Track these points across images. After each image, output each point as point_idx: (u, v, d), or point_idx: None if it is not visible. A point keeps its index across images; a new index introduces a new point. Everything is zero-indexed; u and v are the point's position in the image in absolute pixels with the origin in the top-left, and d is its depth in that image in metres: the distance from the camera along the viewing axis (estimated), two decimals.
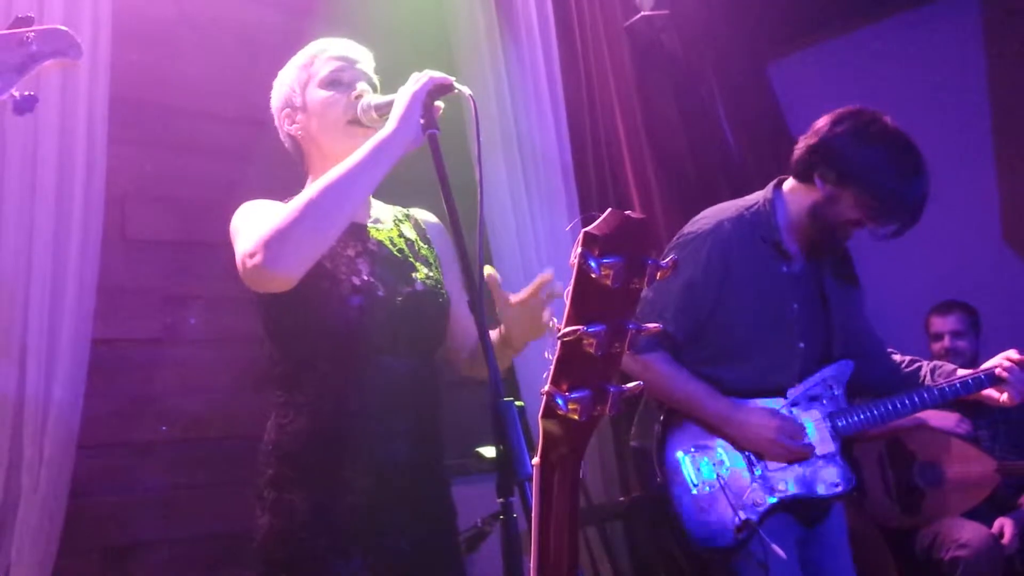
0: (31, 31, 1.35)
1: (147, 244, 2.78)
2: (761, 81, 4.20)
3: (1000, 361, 2.33)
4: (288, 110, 1.83)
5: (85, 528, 2.50)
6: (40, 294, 2.25)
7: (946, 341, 3.66)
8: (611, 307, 0.86)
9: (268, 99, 1.90)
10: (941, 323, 3.68)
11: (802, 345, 2.37)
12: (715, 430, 2.33)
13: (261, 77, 1.92)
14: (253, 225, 1.65)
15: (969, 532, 3.21)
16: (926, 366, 2.48)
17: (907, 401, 2.40)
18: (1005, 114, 4.07)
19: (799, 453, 2.29)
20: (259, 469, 1.77)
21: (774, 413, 2.30)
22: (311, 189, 1.61)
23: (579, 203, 3.22)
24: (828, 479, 2.31)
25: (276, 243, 1.56)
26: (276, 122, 1.88)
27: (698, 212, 2.51)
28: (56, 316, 2.28)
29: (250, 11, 3.03)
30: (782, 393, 2.36)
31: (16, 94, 1.34)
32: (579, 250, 0.84)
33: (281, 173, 1.88)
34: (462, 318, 1.90)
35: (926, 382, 2.44)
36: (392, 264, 1.80)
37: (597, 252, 0.84)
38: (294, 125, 1.82)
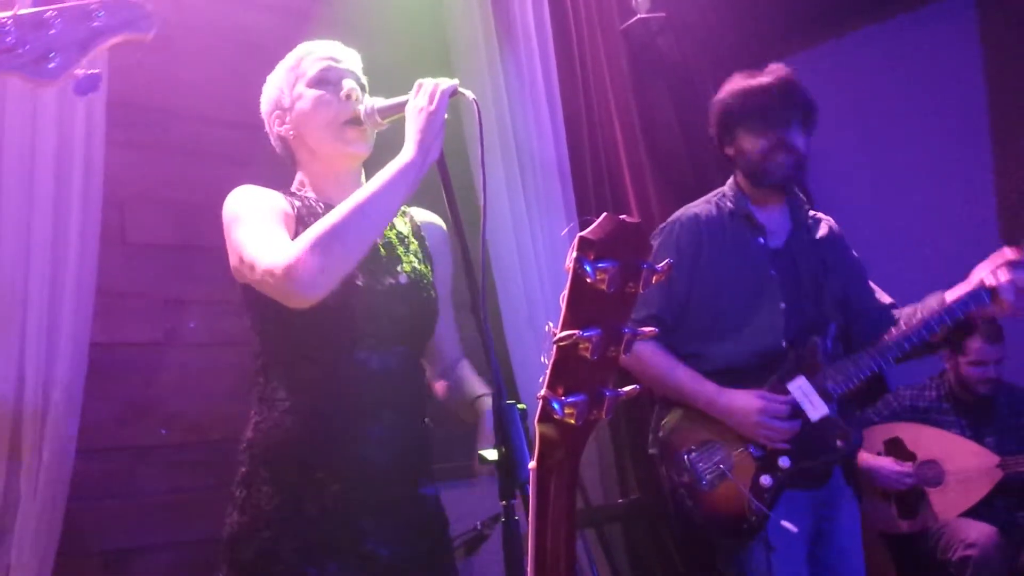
0: (99, 2, 1.23)
1: (146, 248, 2.78)
2: None
3: (983, 275, 2.28)
4: (277, 112, 1.83)
5: (84, 532, 2.50)
6: (39, 298, 2.25)
7: (991, 371, 3.45)
8: (606, 311, 0.87)
9: None
10: (990, 352, 3.44)
11: (783, 305, 2.44)
12: (706, 414, 2.40)
13: (260, 81, 1.93)
14: (264, 233, 1.63)
15: (976, 532, 3.19)
16: (902, 311, 2.47)
17: (890, 347, 2.36)
18: (1002, 114, 4.08)
19: (785, 433, 2.32)
20: (235, 467, 1.76)
21: (759, 396, 2.34)
22: (338, 212, 1.60)
23: (576, 206, 3.22)
24: (827, 442, 2.34)
25: (306, 268, 1.55)
26: (266, 126, 1.88)
27: None
28: (55, 320, 2.27)
29: (249, 15, 3.03)
30: (768, 362, 2.40)
31: (79, 73, 1.23)
32: (574, 254, 0.85)
33: (279, 177, 1.89)
34: (442, 335, 1.89)
35: (903, 325, 2.41)
36: (375, 256, 1.78)
37: (592, 256, 0.84)
38: (284, 126, 1.82)
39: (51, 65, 1.20)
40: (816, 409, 2.33)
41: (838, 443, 2.32)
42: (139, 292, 2.74)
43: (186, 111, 2.88)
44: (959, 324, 2.35)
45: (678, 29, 3.76)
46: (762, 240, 2.50)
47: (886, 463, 3.41)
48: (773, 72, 2.52)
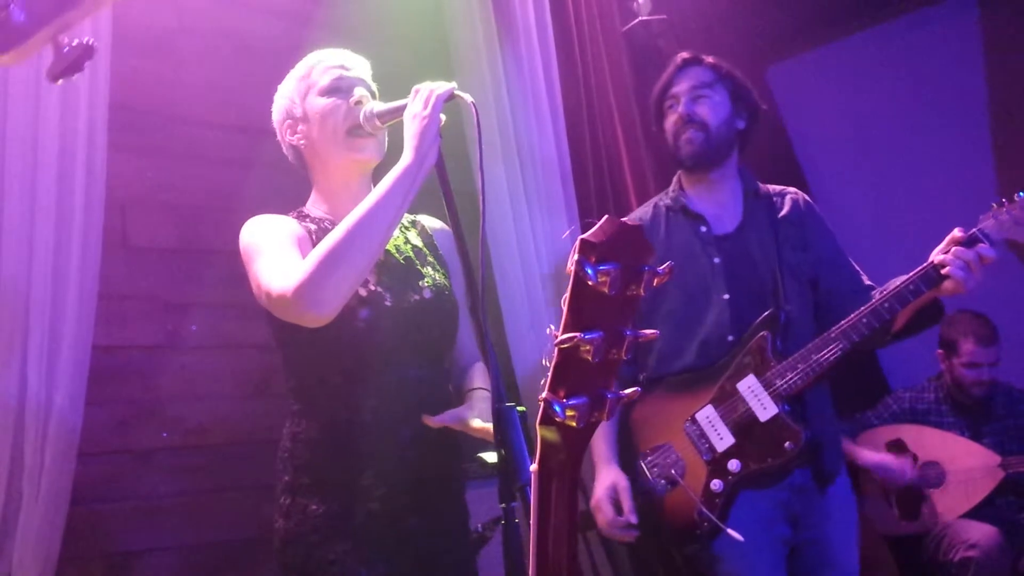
0: None
1: (148, 251, 2.79)
2: (759, 85, 4.20)
3: (933, 256, 2.18)
4: (289, 121, 1.85)
5: (86, 535, 2.50)
6: (41, 301, 2.25)
7: (985, 373, 3.42)
8: (608, 314, 0.87)
9: (268, 107, 1.91)
10: (983, 354, 3.40)
11: (727, 296, 2.34)
12: (659, 418, 2.37)
13: (260, 85, 1.94)
14: (276, 260, 1.66)
15: (978, 532, 3.19)
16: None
17: (839, 337, 2.21)
18: (1004, 116, 4.08)
19: (610, 525, 2.30)
20: (276, 476, 1.81)
21: (612, 484, 2.31)
22: (341, 228, 1.62)
23: (578, 208, 3.22)
24: (775, 444, 2.23)
25: (315, 288, 1.58)
26: (278, 135, 1.90)
27: None
28: (57, 323, 2.27)
29: (249, 20, 3.04)
30: (717, 358, 2.32)
31: (63, 41, 0.81)
32: (576, 257, 0.85)
33: (281, 180, 1.89)
34: (460, 338, 1.92)
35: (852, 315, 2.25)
36: (398, 272, 1.82)
37: (594, 259, 0.84)
38: (296, 135, 1.84)
39: (9, 27, 0.76)
40: (766, 409, 2.24)
41: (786, 445, 2.21)
42: (141, 295, 2.75)
43: (188, 115, 2.88)
44: (922, 308, 2.23)
45: (679, 31, 3.76)
46: (704, 229, 2.41)
47: (886, 459, 3.39)
48: (679, 56, 2.51)
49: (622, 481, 2.32)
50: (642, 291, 0.86)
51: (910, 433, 3.49)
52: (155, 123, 2.82)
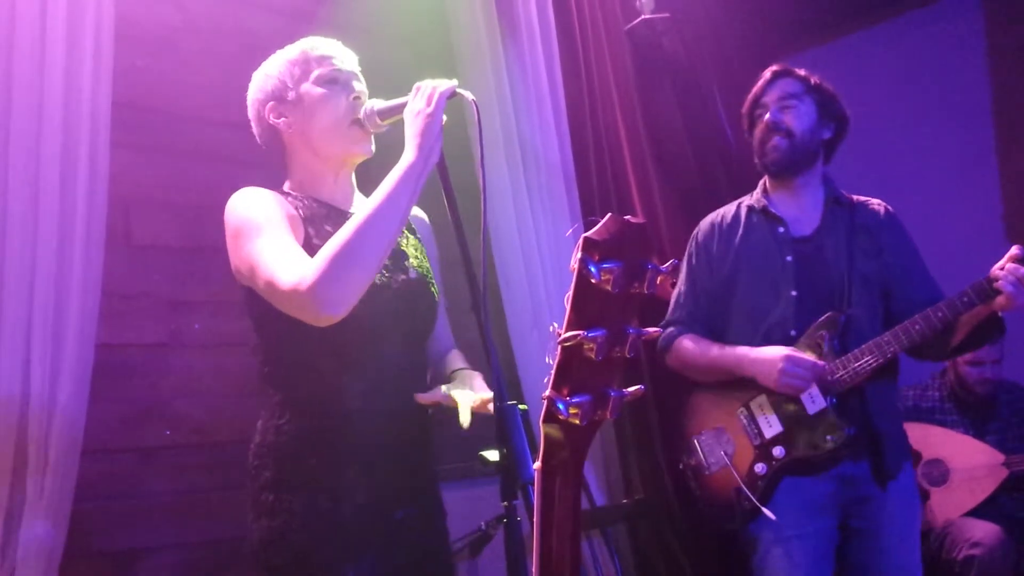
0: None
1: (151, 249, 2.79)
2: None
3: (992, 270, 2.23)
4: (273, 103, 1.81)
5: (90, 533, 2.51)
6: (44, 299, 2.25)
7: (988, 372, 3.43)
8: (611, 312, 0.87)
9: None
10: (987, 352, 3.37)
11: (794, 293, 2.45)
12: (718, 401, 2.49)
13: None
14: (280, 249, 1.62)
15: (981, 531, 3.19)
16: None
17: (891, 341, 2.32)
18: (1007, 113, 4.07)
19: (807, 379, 2.34)
20: (253, 472, 1.75)
21: (784, 349, 2.37)
22: (350, 227, 1.59)
23: (581, 207, 3.23)
24: (820, 435, 2.35)
25: (329, 289, 1.54)
26: (253, 112, 1.85)
27: (701, 216, 2.75)
28: (60, 321, 2.28)
29: (252, 17, 3.03)
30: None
31: None
32: (579, 255, 0.85)
33: (284, 178, 1.89)
34: (439, 323, 1.92)
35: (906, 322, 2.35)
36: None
37: (597, 257, 0.84)
38: (282, 119, 1.80)
39: None
40: (814, 403, 2.37)
41: (827, 438, 2.34)
42: (144, 293, 2.75)
43: (191, 113, 2.88)
44: (981, 322, 2.31)
45: (683, 29, 3.75)
46: (782, 230, 2.52)
47: None
48: (769, 69, 2.63)
49: (785, 349, 2.37)
50: (645, 289, 0.86)
51: (915, 431, 3.47)
52: (158, 121, 2.82)
